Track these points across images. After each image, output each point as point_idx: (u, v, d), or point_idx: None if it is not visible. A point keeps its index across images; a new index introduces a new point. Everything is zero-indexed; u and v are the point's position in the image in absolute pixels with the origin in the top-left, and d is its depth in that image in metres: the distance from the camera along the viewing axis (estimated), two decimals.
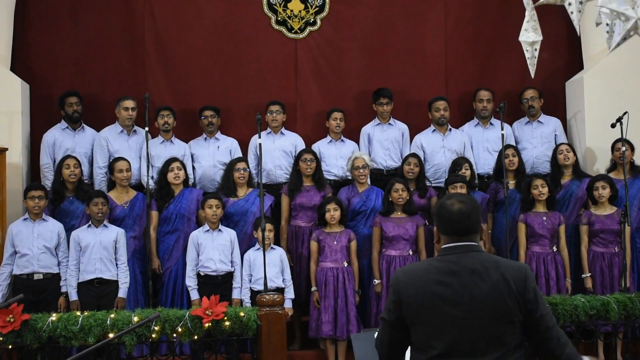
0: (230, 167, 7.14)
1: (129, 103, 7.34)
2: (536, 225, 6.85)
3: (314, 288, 6.68)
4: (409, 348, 3.00)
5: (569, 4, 4.12)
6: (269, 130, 7.62)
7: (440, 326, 2.87)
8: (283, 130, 7.67)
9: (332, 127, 7.63)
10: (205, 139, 7.59)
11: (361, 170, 7.08)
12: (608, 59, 7.71)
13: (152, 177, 7.06)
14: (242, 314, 5.67)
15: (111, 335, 5.31)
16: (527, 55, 4.36)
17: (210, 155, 7.51)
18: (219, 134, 7.62)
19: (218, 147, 7.54)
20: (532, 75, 4.34)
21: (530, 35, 4.33)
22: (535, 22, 4.35)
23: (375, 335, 3.22)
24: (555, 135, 7.81)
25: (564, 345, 2.94)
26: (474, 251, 2.96)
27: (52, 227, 6.57)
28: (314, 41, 8.17)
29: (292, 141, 7.59)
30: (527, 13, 4.32)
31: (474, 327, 2.85)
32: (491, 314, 2.85)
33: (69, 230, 6.66)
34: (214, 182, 7.41)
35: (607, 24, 3.99)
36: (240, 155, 7.47)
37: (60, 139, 7.32)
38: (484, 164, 7.70)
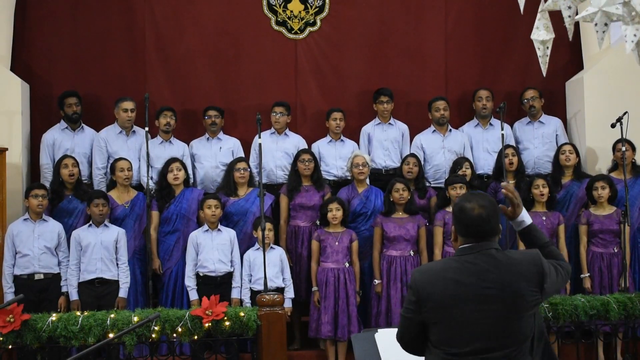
0: (230, 167, 7.15)
1: (128, 104, 7.34)
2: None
3: (314, 288, 6.68)
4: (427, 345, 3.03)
5: (547, 47, 4.14)
6: (272, 130, 7.63)
7: (460, 325, 2.90)
8: (287, 131, 7.67)
9: (332, 127, 7.63)
10: (208, 139, 7.58)
11: (361, 168, 7.08)
12: (608, 59, 7.72)
13: (152, 178, 7.05)
14: (242, 314, 5.68)
15: (111, 335, 5.31)
16: (539, 53, 4.32)
17: (213, 155, 7.50)
18: (221, 134, 7.62)
19: (220, 147, 7.53)
20: (544, 74, 4.31)
21: (541, 33, 4.29)
22: (547, 20, 4.32)
23: (377, 336, 3.23)
24: (557, 135, 7.81)
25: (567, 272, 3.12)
26: (491, 249, 2.98)
27: (52, 227, 6.57)
28: (314, 41, 8.17)
29: (295, 143, 7.58)
30: (539, 11, 4.28)
31: (494, 324, 2.88)
32: (510, 311, 2.89)
33: (67, 229, 6.66)
34: (216, 182, 7.41)
35: (606, 24, 3.96)
36: (243, 155, 7.47)
37: (60, 139, 7.32)
38: (483, 164, 7.70)
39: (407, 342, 3.07)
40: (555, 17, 4.24)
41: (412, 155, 7.37)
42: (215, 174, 7.44)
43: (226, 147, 7.54)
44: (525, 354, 2.91)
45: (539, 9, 4.24)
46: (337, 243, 6.69)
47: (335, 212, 6.69)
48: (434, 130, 7.74)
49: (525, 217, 3.23)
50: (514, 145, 7.59)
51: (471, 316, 2.89)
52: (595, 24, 3.94)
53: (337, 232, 6.74)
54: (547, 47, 4.29)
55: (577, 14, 4.12)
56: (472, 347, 2.88)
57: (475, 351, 2.87)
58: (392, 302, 6.61)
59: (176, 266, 6.86)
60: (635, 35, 3.84)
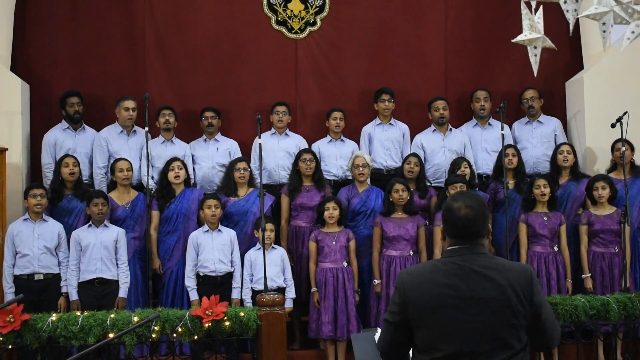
0: (230, 167, 7.15)
1: (130, 103, 7.34)
2: (537, 226, 6.85)
3: (314, 289, 6.68)
4: (412, 349, 2.99)
5: (565, 2, 4.12)
6: (273, 130, 7.63)
7: (445, 328, 2.86)
8: (287, 131, 7.67)
9: (332, 127, 7.63)
10: (205, 140, 7.59)
11: (361, 169, 7.08)
12: (608, 59, 7.72)
13: (152, 177, 7.06)
14: (242, 314, 5.67)
15: (111, 335, 5.31)
16: (529, 54, 4.36)
17: (209, 156, 7.51)
18: (219, 135, 7.62)
19: (217, 148, 7.54)
20: (535, 74, 4.33)
21: (526, 34, 4.32)
22: (529, 20, 4.34)
23: (376, 335, 3.22)
24: (555, 135, 7.81)
25: (555, 336, 3.00)
26: (479, 253, 2.95)
27: (52, 227, 6.57)
28: (314, 41, 8.17)
29: (296, 143, 7.59)
30: (522, 12, 4.31)
31: (479, 329, 2.85)
32: (496, 317, 2.85)
33: (67, 228, 6.66)
34: (213, 183, 7.41)
35: (604, 23, 3.98)
36: (241, 156, 7.47)
37: (62, 139, 7.32)
38: (482, 164, 7.71)
39: (391, 348, 3.01)
40: (547, 18, 4.25)
41: (414, 155, 7.37)
42: (212, 174, 7.45)
43: (223, 148, 7.55)
44: None
45: (522, 9, 4.25)
46: (334, 243, 6.70)
47: (332, 211, 6.70)
48: (434, 130, 7.74)
49: None
50: (514, 145, 7.59)
51: (456, 319, 2.85)
52: (603, 23, 3.95)
53: (334, 231, 6.74)
54: (535, 47, 4.31)
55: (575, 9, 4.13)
56: (457, 350, 2.84)
57: (460, 355, 2.84)
58: None
59: (176, 266, 6.86)
60: (633, 32, 3.86)
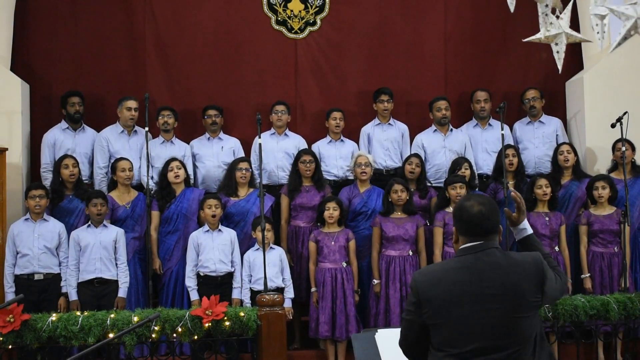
0: (232, 167, 7.15)
1: (132, 103, 7.34)
2: (539, 226, 6.84)
3: (313, 289, 6.69)
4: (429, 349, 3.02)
5: (556, 44, 4.16)
6: (272, 130, 7.63)
7: (460, 326, 2.89)
8: (287, 131, 7.67)
9: (331, 127, 7.63)
10: (209, 138, 7.58)
11: (363, 168, 7.08)
12: (608, 59, 7.71)
13: (152, 178, 7.06)
14: (242, 314, 5.68)
15: (111, 335, 5.32)
16: (553, 50, 4.35)
17: (214, 155, 7.50)
18: (222, 134, 7.62)
19: (222, 147, 7.53)
20: (560, 71, 4.31)
21: (542, 32, 4.32)
22: (545, 16, 4.34)
23: (377, 336, 3.22)
24: (557, 135, 7.81)
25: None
26: (491, 248, 2.98)
27: (53, 227, 6.57)
28: (314, 41, 8.17)
29: (296, 143, 7.58)
30: (539, 10, 4.31)
31: (495, 325, 2.88)
32: (510, 311, 2.88)
33: (68, 228, 6.66)
34: (218, 182, 7.40)
35: (597, 24, 4.00)
36: (244, 155, 7.47)
37: (61, 139, 7.32)
38: (482, 164, 7.71)
39: (408, 345, 3.07)
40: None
41: (416, 155, 7.37)
42: (218, 173, 7.44)
43: (227, 147, 7.54)
44: (527, 355, 2.90)
45: (538, 7, 4.25)
46: (333, 243, 6.70)
47: (332, 211, 6.70)
48: (435, 130, 7.74)
49: (527, 226, 3.27)
50: (514, 145, 7.58)
51: (472, 316, 2.88)
52: (605, 24, 3.98)
53: (333, 232, 6.74)
54: (557, 44, 4.31)
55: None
56: (474, 347, 2.87)
57: (477, 351, 2.87)
58: (390, 302, 6.61)
59: (177, 266, 6.86)
60: (620, 33, 3.89)
